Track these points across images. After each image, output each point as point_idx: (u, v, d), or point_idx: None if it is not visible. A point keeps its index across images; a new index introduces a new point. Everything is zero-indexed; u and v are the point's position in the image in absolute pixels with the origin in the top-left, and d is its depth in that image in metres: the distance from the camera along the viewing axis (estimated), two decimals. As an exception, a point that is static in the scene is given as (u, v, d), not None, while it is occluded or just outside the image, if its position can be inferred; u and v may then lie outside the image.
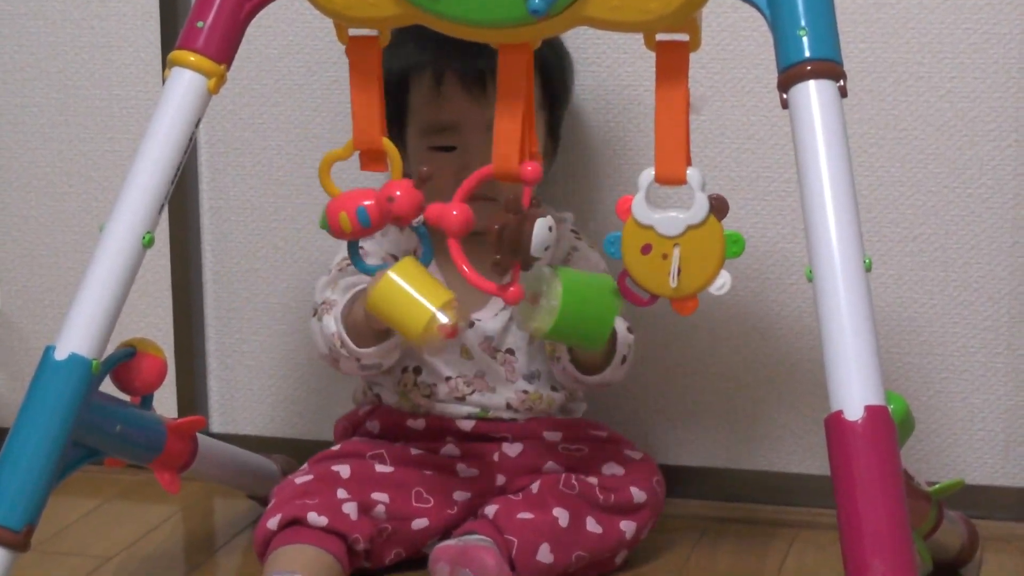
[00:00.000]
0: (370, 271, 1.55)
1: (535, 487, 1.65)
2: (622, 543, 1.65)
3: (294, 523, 1.57)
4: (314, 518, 1.57)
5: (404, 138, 1.67)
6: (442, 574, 1.55)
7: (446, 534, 1.64)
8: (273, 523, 1.58)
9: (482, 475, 1.68)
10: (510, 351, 1.68)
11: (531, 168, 1.41)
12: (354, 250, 1.55)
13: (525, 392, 1.69)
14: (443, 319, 1.47)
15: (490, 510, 1.62)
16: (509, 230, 1.43)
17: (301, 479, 1.64)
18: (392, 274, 1.49)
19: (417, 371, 1.69)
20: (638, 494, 1.66)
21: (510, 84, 1.42)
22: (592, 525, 1.63)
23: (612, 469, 1.67)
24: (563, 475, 1.66)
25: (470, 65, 1.61)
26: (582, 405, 1.76)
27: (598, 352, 1.62)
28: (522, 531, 1.59)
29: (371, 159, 1.50)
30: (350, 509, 1.59)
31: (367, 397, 1.74)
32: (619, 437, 1.73)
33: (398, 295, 1.49)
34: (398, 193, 1.47)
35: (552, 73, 1.69)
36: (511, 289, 1.45)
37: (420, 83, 1.65)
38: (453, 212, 1.44)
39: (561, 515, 1.61)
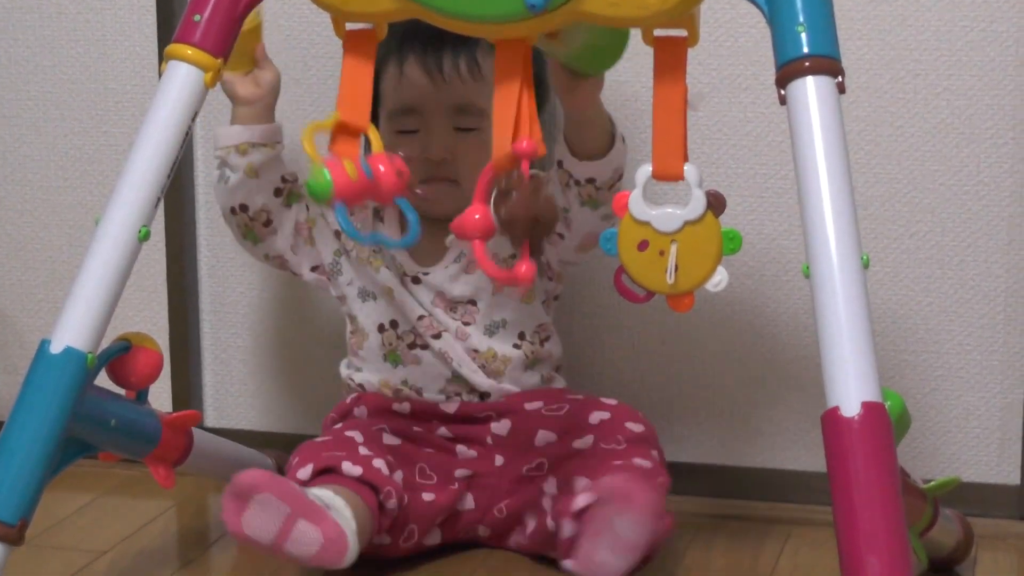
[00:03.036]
0: (360, 239, 1.60)
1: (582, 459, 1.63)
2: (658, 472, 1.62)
3: (327, 472, 1.56)
4: (348, 467, 1.56)
5: (379, 127, 1.70)
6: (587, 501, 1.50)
7: (452, 512, 1.66)
8: (305, 473, 1.57)
9: (480, 457, 1.69)
10: (471, 302, 1.69)
11: (526, 144, 1.36)
12: (342, 214, 1.43)
13: (476, 351, 1.69)
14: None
15: (582, 500, 1.52)
16: (522, 207, 1.39)
17: (320, 439, 1.65)
18: None
19: (394, 324, 1.71)
20: (635, 427, 1.66)
21: (507, 79, 1.42)
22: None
23: (600, 415, 1.67)
24: (589, 440, 1.65)
25: (430, 49, 1.66)
26: (559, 380, 1.75)
27: (602, 130, 1.59)
28: (629, 482, 1.53)
29: (345, 143, 1.44)
30: (380, 464, 1.59)
31: (351, 388, 1.75)
32: (594, 398, 1.71)
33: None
34: (381, 168, 1.41)
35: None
36: (523, 268, 1.38)
37: (387, 71, 1.69)
38: (475, 216, 1.39)
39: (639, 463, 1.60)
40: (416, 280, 1.70)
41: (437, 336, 1.69)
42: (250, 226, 1.73)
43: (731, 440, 1.87)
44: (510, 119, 1.41)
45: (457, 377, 1.69)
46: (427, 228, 1.65)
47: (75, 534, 1.77)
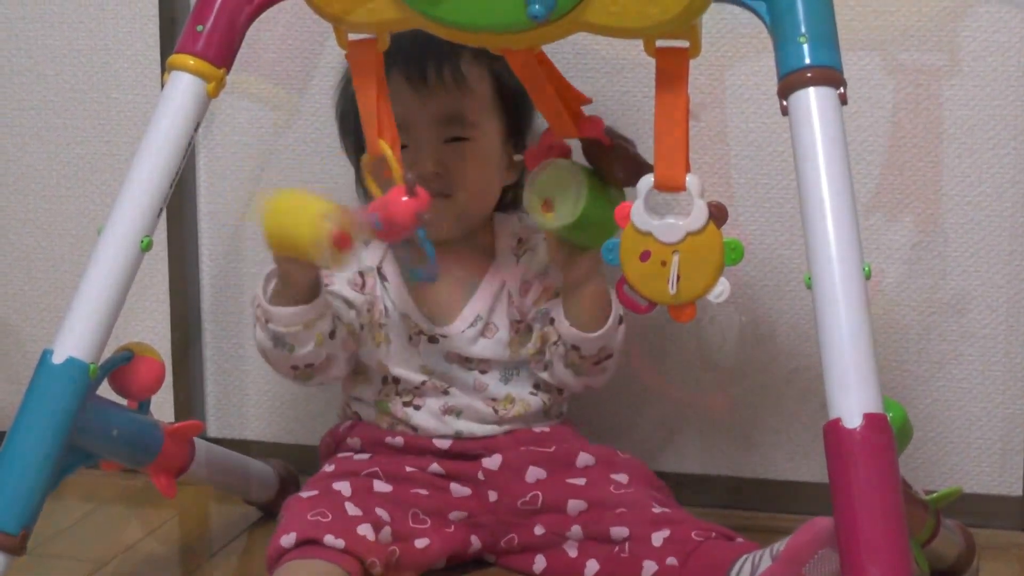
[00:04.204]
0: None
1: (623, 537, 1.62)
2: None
3: (309, 543, 1.52)
4: (331, 540, 1.52)
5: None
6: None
7: (456, 555, 1.64)
8: (287, 541, 1.53)
9: (474, 494, 1.67)
10: (484, 359, 1.68)
11: (593, 120, 1.56)
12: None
13: (494, 399, 1.68)
14: (329, 224, 1.44)
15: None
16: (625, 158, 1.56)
17: (307, 493, 1.61)
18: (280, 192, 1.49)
19: (396, 381, 1.69)
20: (620, 477, 1.66)
21: (530, 78, 1.49)
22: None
23: (584, 460, 1.68)
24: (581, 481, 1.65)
25: (413, 61, 1.63)
26: (563, 406, 1.75)
27: (596, 307, 1.60)
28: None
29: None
30: (366, 531, 1.55)
31: (347, 414, 1.75)
32: (584, 442, 1.72)
33: (286, 204, 1.47)
34: (404, 197, 1.46)
35: (514, 103, 1.70)
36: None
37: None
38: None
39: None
40: (433, 340, 1.67)
41: (446, 392, 1.68)
42: (312, 373, 1.65)
43: (733, 451, 1.87)
44: (557, 106, 1.51)
45: (456, 433, 1.69)
46: (441, 285, 1.65)
47: (77, 543, 1.77)
